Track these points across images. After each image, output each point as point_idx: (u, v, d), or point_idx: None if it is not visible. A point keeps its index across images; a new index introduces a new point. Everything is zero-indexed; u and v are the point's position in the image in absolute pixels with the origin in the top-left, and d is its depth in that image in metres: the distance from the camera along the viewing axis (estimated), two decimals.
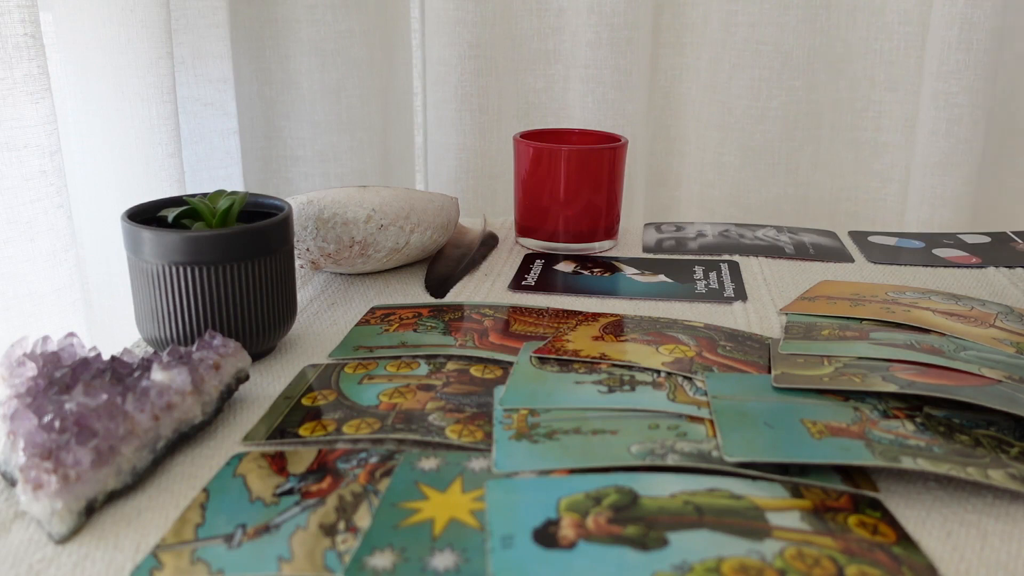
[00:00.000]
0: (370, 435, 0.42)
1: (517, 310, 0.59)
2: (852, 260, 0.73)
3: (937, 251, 0.75)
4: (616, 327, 0.55)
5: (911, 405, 0.44)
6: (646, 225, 0.83)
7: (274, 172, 0.95)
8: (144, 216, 0.51)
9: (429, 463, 0.40)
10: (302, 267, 0.64)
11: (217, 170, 0.89)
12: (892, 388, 0.44)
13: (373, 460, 0.40)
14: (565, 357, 0.50)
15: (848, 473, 0.39)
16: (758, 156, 0.96)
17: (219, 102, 0.87)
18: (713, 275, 0.68)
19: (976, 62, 0.87)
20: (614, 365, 0.49)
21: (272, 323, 0.51)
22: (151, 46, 0.70)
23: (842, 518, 0.36)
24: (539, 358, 0.50)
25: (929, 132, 0.90)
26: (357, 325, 0.57)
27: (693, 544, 0.33)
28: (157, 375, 0.41)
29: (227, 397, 0.44)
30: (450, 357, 0.51)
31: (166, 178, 0.73)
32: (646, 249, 0.75)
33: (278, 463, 0.40)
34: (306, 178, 0.95)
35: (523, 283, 0.66)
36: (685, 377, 0.48)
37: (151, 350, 0.52)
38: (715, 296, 0.63)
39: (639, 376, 0.48)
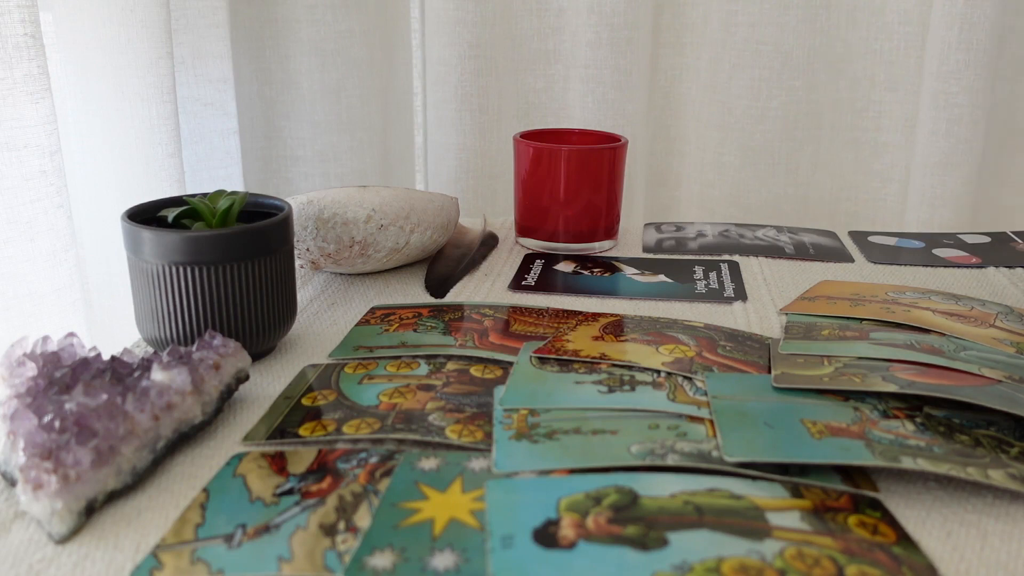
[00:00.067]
0: (370, 435, 0.42)
1: (517, 310, 0.59)
2: (852, 260, 0.73)
3: (937, 251, 0.75)
4: (616, 327, 0.55)
5: (911, 405, 0.44)
6: (646, 225, 0.83)
7: (274, 172, 0.95)
8: (144, 216, 0.51)
9: (429, 463, 0.40)
10: (302, 267, 0.64)
11: (217, 170, 0.89)
12: (892, 388, 0.44)
13: (373, 460, 0.40)
14: (565, 357, 0.50)
15: (848, 473, 0.39)
16: (758, 156, 0.96)
17: (219, 102, 0.87)
18: (713, 275, 0.68)
19: (976, 62, 0.87)
20: (614, 365, 0.49)
21: (272, 323, 0.51)
22: (151, 46, 0.70)
23: (842, 518, 0.36)
24: (539, 358, 0.50)
25: (929, 132, 0.90)
26: (357, 325, 0.57)
27: (693, 544, 0.33)
28: (157, 375, 0.41)
29: (227, 397, 0.44)
30: (450, 357, 0.51)
31: (166, 178, 0.73)
32: (646, 249, 0.75)
33: (278, 463, 0.40)
34: (306, 178, 0.95)
35: (523, 283, 0.66)
36: (685, 377, 0.48)
37: (151, 350, 0.52)
38: (715, 296, 0.63)
39: (639, 376, 0.48)
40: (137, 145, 0.71)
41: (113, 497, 0.38)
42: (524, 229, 0.76)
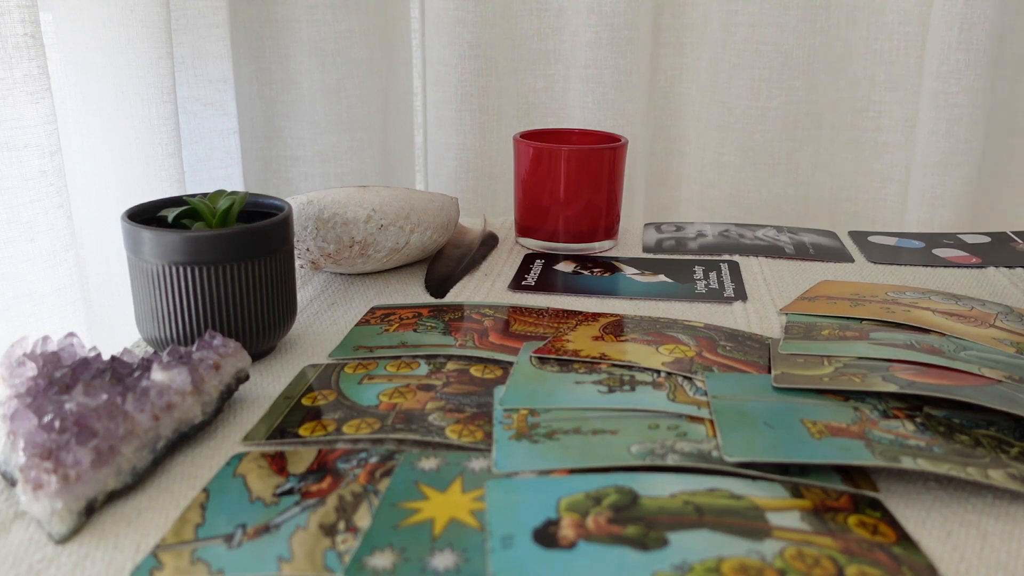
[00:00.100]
0: (370, 435, 0.42)
1: (517, 310, 0.59)
2: (852, 260, 0.73)
3: (937, 251, 0.75)
4: (616, 327, 0.55)
5: (911, 405, 0.44)
6: (646, 225, 0.83)
7: (274, 172, 0.95)
8: (144, 216, 0.51)
9: (429, 463, 0.40)
10: (302, 267, 0.64)
11: (217, 170, 0.89)
12: (892, 388, 0.44)
13: (373, 460, 0.40)
14: (565, 357, 0.50)
15: (848, 473, 0.39)
16: (758, 156, 0.96)
17: (219, 102, 0.87)
18: (713, 275, 0.68)
19: (976, 62, 0.87)
20: (614, 365, 0.49)
21: (272, 323, 0.51)
22: (151, 46, 0.70)
23: (842, 518, 0.36)
24: (539, 358, 0.50)
25: (929, 132, 0.90)
26: (357, 325, 0.57)
27: (693, 544, 0.33)
28: (157, 375, 0.41)
29: (227, 397, 0.44)
30: (450, 357, 0.51)
31: (166, 178, 0.73)
32: (646, 249, 0.75)
33: (278, 463, 0.40)
34: (306, 178, 0.95)
35: (523, 283, 0.66)
36: (685, 377, 0.48)
37: (151, 350, 0.52)
38: (715, 296, 0.63)
39: (639, 376, 0.48)
40: (137, 145, 0.71)
41: (113, 497, 0.38)
42: (524, 229, 0.76)
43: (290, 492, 0.38)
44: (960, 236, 0.79)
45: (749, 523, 0.35)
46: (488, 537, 0.34)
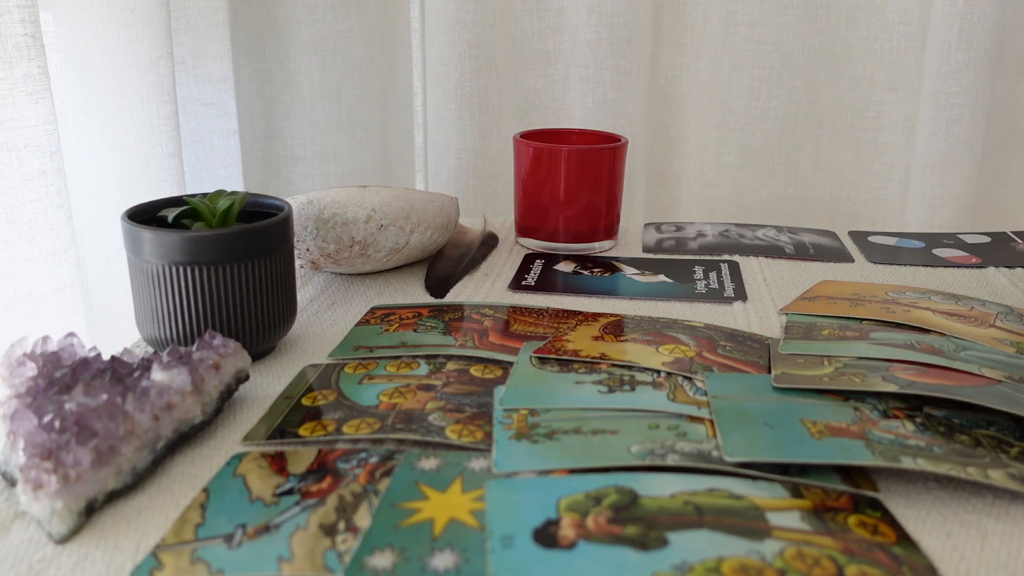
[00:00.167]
0: (370, 435, 0.42)
1: (517, 310, 0.59)
2: (852, 260, 0.73)
3: (937, 251, 0.75)
4: (616, 327, 0.55)
5: (911, 405, 0.44)
6: (646, 225, 0.83)
7: (274, 172, 0.95)
8: (144, 216, 0.51)
9: (429, 463, 0.40)
10: (302, 267, 0.64)
11: (217, 170, 0.89)
12: (892, 388, 0.44)
13: (373, 460, 0.40)
14: (565, 357, 0.50)
15: (848, 473, 0.39)
16: (758, 156, 0.96)
17: (219, 102, 0.87)
18: (713, 275, 0.68)
19: (976, 62, 0.87)
20: (614, 365, 0.49)
21: (272, 323, 0.51)
22: (151, 46, 0.70)
23: (842, 518, 0.36)
24: (539, 358, 0.50)
25: (929, 132, 0.90)
26: (357, 325, 0.57)
27: (693, 544, 0.33)
28: (157, 375, 0.41)
29: (227, 397, 0.44)
30: (450, 357, 0.51)
31: (166, 178, 0.73)
32: (646, 249, 0.75)
33: (278, 463, 0.40)
34: (306, 178, 0.95)
35: (523, 283, 0.66)
36: (685, 377, 0.48)
37: (151, 350, 0.52)
38: (715, 296, 0.63)
39: (639, 376, 0.48)
40: (137, 145, 0.71)
41: (113, 497, 0.38)
42: (524, 229, 0.76)
43: (290, 492, 0.38)
44: (960, 236, 0.79)
45: (749, 523, 0.35)
46: (488, 537, 0.34)
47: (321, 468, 0.40)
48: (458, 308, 0.59)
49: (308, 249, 0.61)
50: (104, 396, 0.39)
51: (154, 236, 0.47)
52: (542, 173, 0.72)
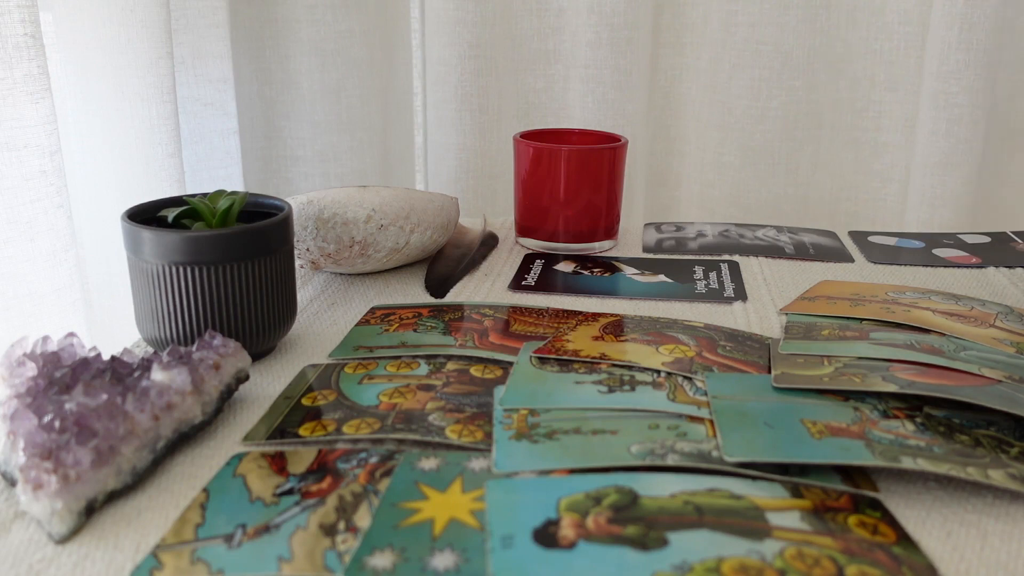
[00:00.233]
0: (370, 435, 0.42)
1: (517, 310, 0.59)
2: (852, 260, 0.73)
3: (937, 251, 0.75)
4: (616, 327, 0.55)
5: (911, 405, 0.44)
6: (646, 225, 0.83)
7: (274, 172, 0.95)
8: (144, 216, 0.51)
9: (429, 463, 0.40)
10: (302, 267, 0.64)
11: (217, 170, 0.89)
12: (892, 388, 0.44)
13: (373, 460, 0.40)
14: (565, 357, 0.50)
15: (848, 473, 0.39)
16: (758, 156, 0.96)
17: (219, 102, 0.87)
18: (713, 275, 0.68)
19: (976, 62, 0.87)
20: (614, 365, 0.49)
21: (272, 323, 0.51)
22: (151, 46, 0.70)
23: (842, 518, 0.36)
24: (539, 358, 0.50)
25: (929, 132, 0.90)
26: (357, 325, 0.57)
27: (693, 544, 0.33)
28: (157, 375, 0.41)
29: (227, 397, 0.44)
30: (450, 357, 0.51)
31: (166, 178, 0.73)
32: (646, 249, 0.75)
33: (278, 463, 0.40)
34: (306, 178, 0.95)
35: (523, 283, 0.66)
36: (685, 377, 0.48)
37: (151, 350, 0.52)
38: (715, 296, 0.63)
39: (639, 376, 0.48)
40: (137, 145, 0.71)
41: (113, 497, 0.38)
42: (524, 229, 0.76)
43: (290, 492, 0.38)
44: (960, 236, 0.79)
45: (749, 523, 0.35)
46: (488, 537, 0.34)
47: (321, 468, 0.40)
48: (458, 308, 0.59)
49: (308, 249, 0.61)
50: (104, 396, 0.39)
51: (154, 236, 0.47)
52: (542, 173, 0.72)
